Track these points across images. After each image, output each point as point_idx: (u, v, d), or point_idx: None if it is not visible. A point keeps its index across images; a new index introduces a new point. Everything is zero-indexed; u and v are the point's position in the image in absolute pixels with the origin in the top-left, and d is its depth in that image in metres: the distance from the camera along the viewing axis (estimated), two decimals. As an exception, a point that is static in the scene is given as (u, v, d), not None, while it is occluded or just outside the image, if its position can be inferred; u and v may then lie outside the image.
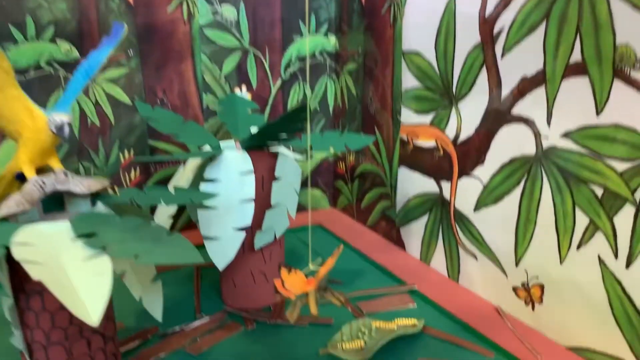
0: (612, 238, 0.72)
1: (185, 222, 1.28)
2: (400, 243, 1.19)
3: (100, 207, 0.67)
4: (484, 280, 0.95)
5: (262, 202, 0.88)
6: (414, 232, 1.13)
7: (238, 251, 0.89)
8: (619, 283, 0.72)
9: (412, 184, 1.11)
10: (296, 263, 1.14)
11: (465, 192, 0.95)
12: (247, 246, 0.90)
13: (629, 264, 0.71)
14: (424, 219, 1.10)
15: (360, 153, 1.32)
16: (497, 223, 0.89)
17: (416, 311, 0.93)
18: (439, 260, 1.07)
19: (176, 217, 1.27)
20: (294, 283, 0.64)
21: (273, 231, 0.91)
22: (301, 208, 1.44)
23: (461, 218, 0.98)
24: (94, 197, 0.69)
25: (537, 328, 0.85)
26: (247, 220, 0.84)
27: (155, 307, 0.68)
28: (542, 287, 0.83)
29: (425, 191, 1.08)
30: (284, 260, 0.99)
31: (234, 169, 0.86)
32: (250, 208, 0.85)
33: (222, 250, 0.85)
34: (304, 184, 1.44)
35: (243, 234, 0.84)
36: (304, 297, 0.64)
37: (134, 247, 0.56)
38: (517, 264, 0.87)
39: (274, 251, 0.93)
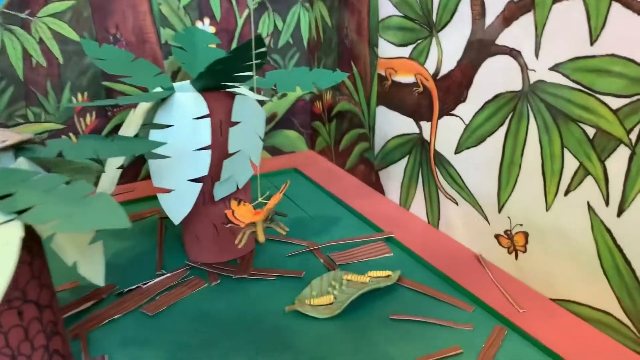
0: (604, 183, 0.67)
1: (148, 171, 1.20)
2: (379, 187, 1.14)
3: (23, 162, 0.59)
4: (465, 226, 0.91)
5: (221, 149, 0.81)
6: (393, 176, 1.08)
7: (199, 203, 0.83)
8: (609, 232, 0.67)
9: (391, 124, 1.05)
10: None
11: (446, 132, 0.90)
12: (207, 197, 0.84)
13: (620, 212, 0.65)
14: (403, 162, 1.04)
15: (337, 91, 1.23)
16: (479, 166, 0.84)
17: (393, 260, 0.89)
18: (418, 206, 1.02)
19: (140, 165, 1.19)
20: (243, 213, 0.67)
21: (234, 181, 0.84)
22: (277, 151, 1.37)
23: (441, 161, 0.93)
24: (19, 150, 0.60)
25: (520, 278, 0.82)
26: (203, 170, 0.77)
27: (95, 272, 0.61)
28: (526, 235, 0.79)
29: (404, 132, 1.02)
30: None
31: (186, 113, 0.78)
32: (206, 156, 0.77)
33: (177, 203, 0.78)
34: (278, 126, 1.35)
35: (199, 186, 0.78)
36: (252, 227, 0.67)
37: (50, 212, 0.48)
38: (499, 210, 0.83)
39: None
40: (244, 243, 0.67)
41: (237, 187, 0.85)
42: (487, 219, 0.86)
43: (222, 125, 0.81)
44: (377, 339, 0.71)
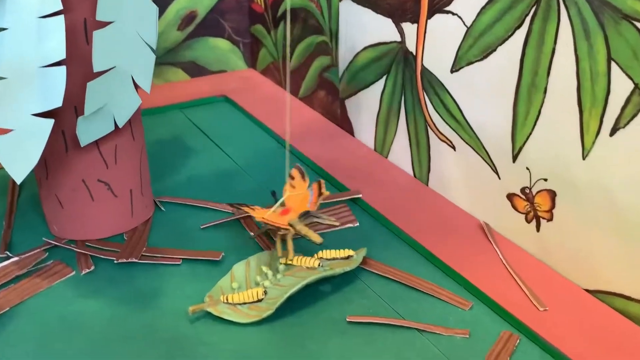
0: (670, 116, 0.63)
1: None
2: (345, 124, 1.12)
3: None
4: (465, 182, 0.89)
5: (88, 65, 0.73)
6: (366, 107, 1.05)
7: (58, 150, 0.80)
8: (676, 192, 0.65)
9: (361, 28, 1.02)
10: (179, 165, 1.05)
11: (439, 40, 0.88)
12: (71, 140, 0.80)
13: (694, 160, 0.63)
14: (378, 86, 1.01)
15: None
16: (485, 91, 0.83)
17: (358, 233, 0.87)
18: (401, 151, 1.00)
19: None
20: (272, 216, 0.77)
21: (110, 115, 0.78)
22: (200, 70, 1.32)
23: (432, 83, 0.90)
24: None
25: (543, 259, 0.81)
26: (55, 99, 0.71)
27: None
28: (552, 195, 0.78)
29: (379, 40, 0.99)
30: (145, 161, 0.89)
31: (26, 9, 0.69)
32: (60, 77, 0.70)
33: (18, 151, 0.72)
34: (200, 31, 1.26)
35: (49, 123, 0.71)
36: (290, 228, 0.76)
37: None
38: (515, 157, 0.81)
39: (123, 147, 0.84)
40: (292, 254, 0.76)
41: (116, 126, 0.79)
42: (496, 171, 0.84)
43: (87, 27, 0.74)
44: (327, 355, 0.67)
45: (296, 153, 1.05)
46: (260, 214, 0.78)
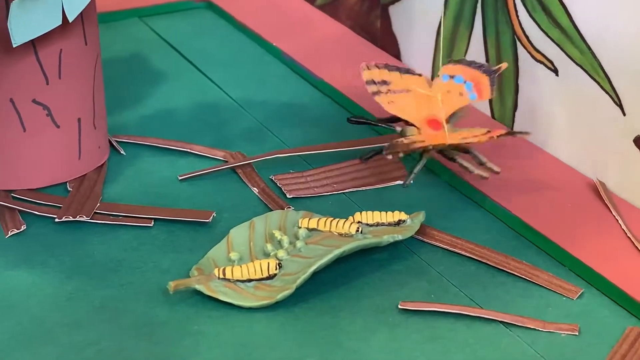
0: None
1: None
2: (389, 42, 1.14)
3: None
4: (571, 121, 0.91)
5: None
6: (420, 16, 1.07)
7: None
8: None
9: None
10: (144, 94, 1.07)
11: None
12: None
13: None
14: None
15: None
16: None
17: (413, 191, 0.91)
18: None
19: None
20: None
21: (58, 2, 0.78)
22: None
23: None
24: None
25: None
26: None
27: None
28: None
29: None
30: (100, 80, 0.90)
31: None
32: None
33: None
34: None
35: None
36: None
37: None
38: None
39: (71, 53, 0.85)
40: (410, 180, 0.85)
41: (64, 19, 0.79)
42: (619, 103, 0.85)
43: None
44: (370, 355, 0.69)
45: (312, 81, 1.06)
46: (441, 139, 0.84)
